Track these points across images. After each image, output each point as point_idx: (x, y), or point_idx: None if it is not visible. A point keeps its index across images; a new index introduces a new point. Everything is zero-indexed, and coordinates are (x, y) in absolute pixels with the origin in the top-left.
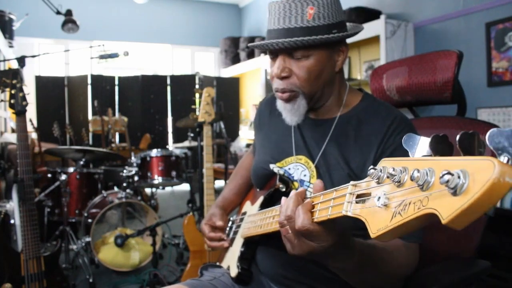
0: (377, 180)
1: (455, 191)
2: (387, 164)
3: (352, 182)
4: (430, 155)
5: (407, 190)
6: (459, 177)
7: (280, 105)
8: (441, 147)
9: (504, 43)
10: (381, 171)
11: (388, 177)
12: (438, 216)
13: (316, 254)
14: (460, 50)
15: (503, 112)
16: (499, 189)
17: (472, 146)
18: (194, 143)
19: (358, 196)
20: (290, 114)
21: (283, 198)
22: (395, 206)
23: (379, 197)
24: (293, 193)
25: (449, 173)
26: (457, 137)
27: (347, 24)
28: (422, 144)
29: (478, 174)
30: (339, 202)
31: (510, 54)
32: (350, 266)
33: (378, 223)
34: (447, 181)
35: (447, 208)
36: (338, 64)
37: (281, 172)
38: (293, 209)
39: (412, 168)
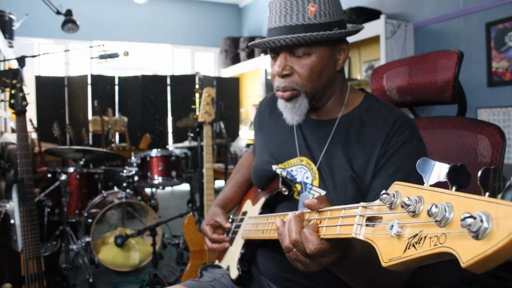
0: (390, 205)
1: (477, 235)
2: (400, 189)
3: (362, 204)
4: (445, 182)
5: (423, 223)
6: (481, 221)
7: (281, 104)
8: (458, 178)
9: (504, 43)
10: (394, 196)
11: (402, 206)
12: (457, 257)
13: (331, 265)
14: (460, 50)
15: (503, 112)
16: None
17: (492, 183)
18: (194, 143)
19: (368, 218)
20: (291, 113)
21: (278, 220)
22: (409, 237)
23: (392, 226)
24: (291, 215)
25: (471, 216)
26: (479, 174)
27: (348, 25)
28: (437, 169)
29: (502, 220)
30: (348, 223)
31: (510, 54)
32: (351, 267)
33: (390, 252)
34: (469, 225)
35: (467, 252)
36: (339, 63)
37: (284, 174)
38: (298, 231)
39: (428, 199)
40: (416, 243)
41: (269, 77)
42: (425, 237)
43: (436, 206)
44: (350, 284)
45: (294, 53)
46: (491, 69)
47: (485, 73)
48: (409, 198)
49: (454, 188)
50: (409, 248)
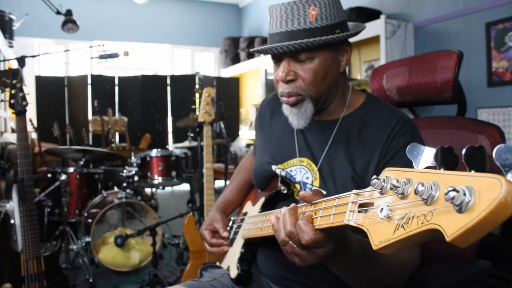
0: (380, 190)
1: (460, 208)
2: (391, 174)
3: (354, 191)
4: (435, 167)
5: (411, 203)
6: (464, 194)
7: (286, 109)
8: (445, 159)
9: (504, 43)
10: (384, 181)
11: (391, 188)
12: (442, 232)
13: (327, 258)
14: (460, 50)
15: (503, 112)
16: (506, 208)
17: (478, 161)
18: (194, 143)
19: (361, 205)
20: (296, 118)
21: (272, 217)
22: (398, 218)
23: (382, 209)
24: (284, 209)
25: (454, 189)
26: (463, 151)
27: (348, 23)
28: (426, 154)
29: (484, 192)
30: (341, 211)
31: (510, 54)
32: (349, 264)
33: (380, 235)
34: (453, 198)
35: (452, 225)
36: (342, 65)
37: (283, 174)
38: (293, 223)
39: (416, 180)
40: (404, 223)
41: (269, 77)
42: (413, 216)
43: (423, 185)
44: (350, 284)
45: (297, 58)
46: (491, 69)
47: (485, 73)
48: (397, 180)
49: (442, 169)
50: (398, 229)
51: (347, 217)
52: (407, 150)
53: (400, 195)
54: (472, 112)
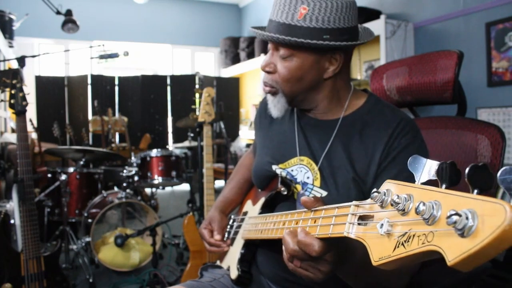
0: (381, 203)
1: (462, 233)
2: (391, 187)
3: (354, 202)
4: (436, 180)
5: (412, 221)
6: (467, 218)
7: (268, 97)
8: (448, 176)
9: (504, 43)
10: (385, 194)
11: (392, 204)
12: (444, 256)
13: (334, 266)
14: (460, 50)
15: (503, 112)
16: (510, 236)
17: (481, 181)
18: (194, 143)
19: (361, 217)
20: (272, 106)
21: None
22: (399, 235)
23: (382, 224)
24: (285, 234)
25: (457, 213)
26: (466, 170)
27: (359, 29)
28: (428, 167)
29: (488, 217)
30: (340, 222)
31: (510, 54)
32: (353, 268)
33: (380, 251)
34: (455, 222)
35: (453, 250)
36: (328, 72)
37: (284, 174)
38: (294, 242)
39: (417, 197)
40: (405, 241)
41: None
42: (413, 235)
43: (424, 204)
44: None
45: (279, 52)
46: (491, 69)
47: (485, 73)
48: (398, 196)
49: (444, 186)
50: (398, 246)
51: (346, 229)
52: (408, 163)
53: (400, 211)
54: (472, 112)
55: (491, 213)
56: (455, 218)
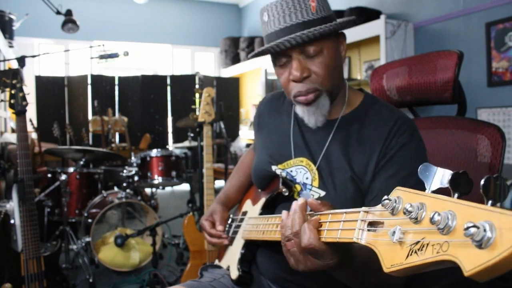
0: (392, 211)
1: (480, 244)
2: (402, 194)
3: (364, 208)
4: (446, 188)
5: (425, 230)
6: (485, 230)
7: (301, 110)
8: (460, 185)
9: (504, 43)
10: (396, 201)
11: (404, 212)
12: (460, 266)
13: (320, 270)
14: (460, 50)
15: (503, 112)
16: None
17: (495, 192)
18: (194, 143)
19: (370, 223)
20: (314, 116)
21: (284, 212)
22: (411, 243)
23: (394, 232)
24: (296, 206)
25: (474, 225)
26: (481, 182)
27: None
28: (439, 175)
29: (506, 230)
30: (349, 227)
31: (510, 54)
32: (350, 272)
33: (392, 258)
34: (473, 234)
35: (470, 260)
36: (343, 55)
37: (284, 174)
38: (300, 224)
39: (430, 206)
40: (418, 249)
41: (269, 77)
42: (427, 244)
43: (439, 214)
44: (350, 286)
45: (306, 53)
46: (491, 69)
47: (485, 73)
48: (411, 204)
49: (456, 195)
50: (411, 254)
51: (356, 235)
52: (419, 170)
53: (413, 219)
54: (472, 112)
55: (509, 226)
56: (473, 230)
